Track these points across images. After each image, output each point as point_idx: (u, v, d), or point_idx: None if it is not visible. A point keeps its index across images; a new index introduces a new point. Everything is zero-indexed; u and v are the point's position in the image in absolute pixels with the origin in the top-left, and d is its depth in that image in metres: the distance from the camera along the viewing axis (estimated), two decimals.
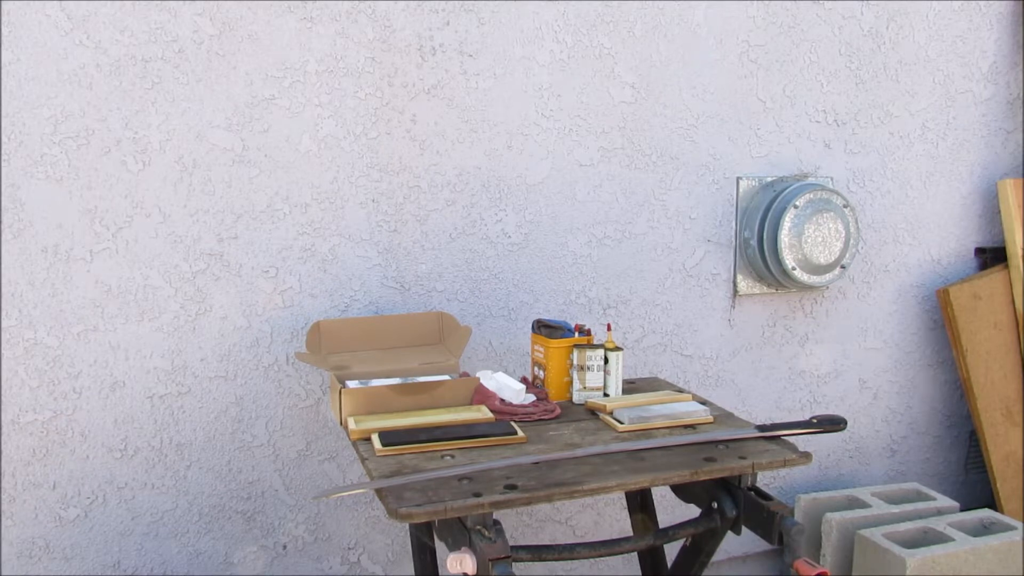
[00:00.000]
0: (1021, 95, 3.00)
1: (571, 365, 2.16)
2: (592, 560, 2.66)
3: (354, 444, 1.88)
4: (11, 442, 2.09)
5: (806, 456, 1.83)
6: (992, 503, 3.02)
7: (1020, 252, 2.91)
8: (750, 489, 1.84)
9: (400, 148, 2.30)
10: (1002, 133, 3.00)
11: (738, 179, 2.67)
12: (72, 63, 2.01)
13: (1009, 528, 2.62)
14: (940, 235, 2.98)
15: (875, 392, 2.98)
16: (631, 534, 2.31)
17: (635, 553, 2.29)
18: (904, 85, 2.84)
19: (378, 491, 1.66)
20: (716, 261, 2.69)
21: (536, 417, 2.02)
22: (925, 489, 2.86)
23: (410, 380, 2.07)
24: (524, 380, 2.23)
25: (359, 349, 2.23)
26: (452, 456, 1.80)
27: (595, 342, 2.18)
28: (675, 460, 1.79)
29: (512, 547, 1.62)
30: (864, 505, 2.75)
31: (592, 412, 2.09)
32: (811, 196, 2.61)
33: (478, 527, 1.59)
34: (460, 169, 2.37)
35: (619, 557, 2.66)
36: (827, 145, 2.77)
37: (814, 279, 2.66)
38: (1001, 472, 2.91)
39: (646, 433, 1.94)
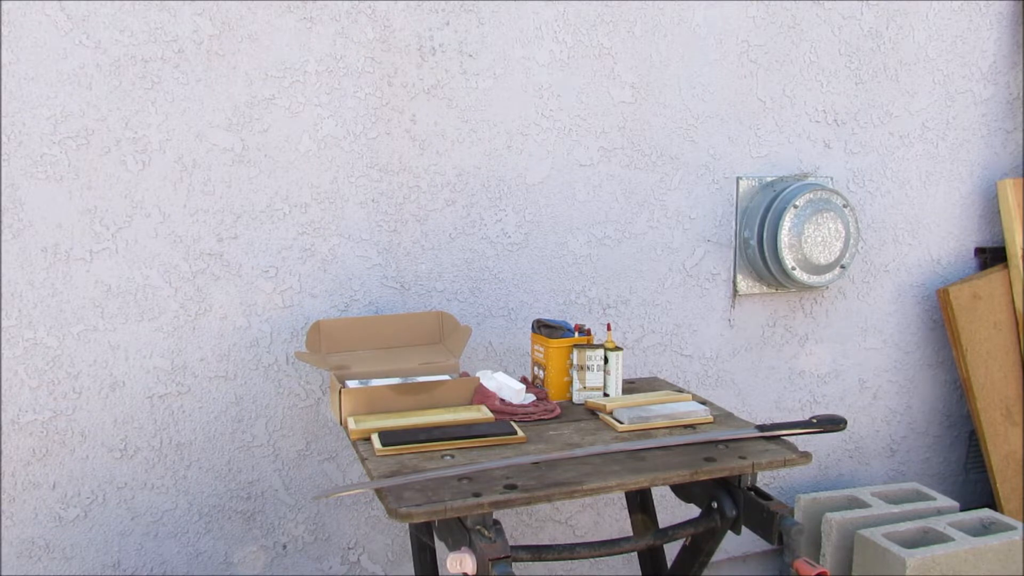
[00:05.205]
0: (1021, 95, 3.00)
1: (571, 365, 2.16)
2: (592, 560, 2.66)
3: (354, 444, 1.88)
4: (11, 442, 2.09)
5: (806, 456, 1.83)
6: (992, 503, 3.02)
7: (1020, 252, 2.91)
8: (750, 489, 1.84)
9: (400, 148, 2.30)
10: (1002, 133, 3.00)
11: (738, 179, 2.67)
12: (72, 63, 2.01)
13: (1009, 528, 2.62)
14: (940, 235, 2.98)
15: (875, 392, 2.98)
16: (631, 534, 2.31)
17: (635, 553, 2.29)
18: (904, 85, 2.84)
19: (378, 491, 1.66)
20: (716, 261, 2.69)
21: (536, 417, 2.02)
22: (925, 489, 2.86)
23: (410, 380, 2.07)
24: (524, 380, 2.23)
25: (359, 349, 2.23)
26: (452, 456, 1.80)
27: (595, 342, 2.18)
28: (675, 460, 1.79)
29: (512, 547, 1.62)
30: (864, 505, 2.75)
31: (592, 412, 2.09)
32: (811, 196, 2.61)
33: (478, 527, 1.59)
34: (460, 169, 2.37)
35: (619, 557, 2.66)
36: (827, 145, 2.77)
37: (814, 279, 2.66)
38: (1001, 472, 2.91)
39: (646, 433, 1.94)
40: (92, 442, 2.15)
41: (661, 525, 2.29)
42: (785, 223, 2.59)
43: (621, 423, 1.97)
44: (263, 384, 2.27)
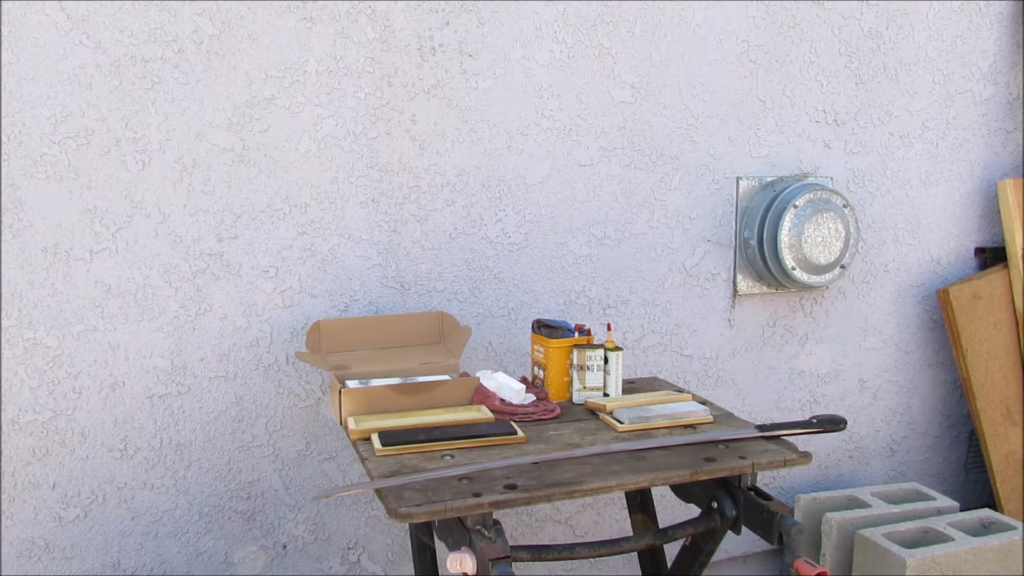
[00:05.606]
0: (1021, 95, 3.00)
1: (571, 365, 2.16)
2: (592, 560, 2.66)
3: (354, 444, 1.88)
4: (11, 442, 2.09)
5: (806, 456, 1.83)
6: (992, 503, 3.02)
7: (1020, 252, 2.91)
8: (750, 489, 1.84)
9: (400, 148, 2.30)
10: (1002, 133, 3.00)
11: (738, 179, 2.67)
12: (72, 63, 2.01)
13: (1009, 528, 2.62)
14: (940, 235, 2.98)
15: (875, 392, 2.98)
16: (631, 534, 2.31)
17: (635, 553, 2.29)
18: (904, 85, 2.84)
19: (378, 491, 1.66)
20: (716, 261, 2.69)
21: (536, 417, 2.02)
22: (925, 489, 2.86)
23: (410, 380, 2.07)
24: (524, 380, 2.23)
25: (359, 349, 2.23)
26: (452, 456, 1.80)
27: (595, 342, 2.18)
28: (675, 460, 1.79)
29: (512, 547, 1.62)
30: (864, 505, 2.75)
31: (592, 412, 2.09)
32: (811, 196, 2.61)
33: (478, 527, 1.59)
34: (460, 169, 2.37)
35: (619, 557, 2.66)
36: (827, 145, 2.77)
37: (814, 279, 2.66)
38: (1001, 472, 2.91)
39: (646, 433, 1.94)
40: (92, 442, 2.15)
41: (661, 525, 2.29)
42: (785, 223, 2.59)
43: (621, 423, 1.97)
44: (263, 384, 2.27)
